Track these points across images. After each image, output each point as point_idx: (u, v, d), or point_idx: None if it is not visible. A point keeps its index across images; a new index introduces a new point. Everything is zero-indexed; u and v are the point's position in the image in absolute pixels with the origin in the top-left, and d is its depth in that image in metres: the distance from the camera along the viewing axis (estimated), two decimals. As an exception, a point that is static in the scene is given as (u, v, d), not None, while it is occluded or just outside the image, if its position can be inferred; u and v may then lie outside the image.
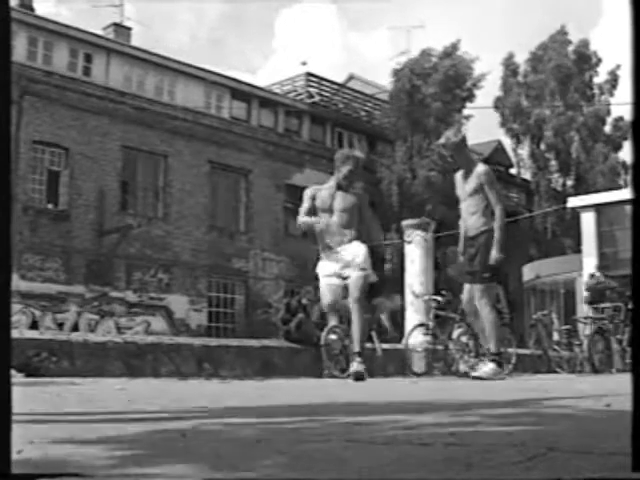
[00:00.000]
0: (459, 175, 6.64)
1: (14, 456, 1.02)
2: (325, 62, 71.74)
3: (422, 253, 11.16)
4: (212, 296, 23.42)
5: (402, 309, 11.25)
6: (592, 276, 12.47)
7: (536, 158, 33.82)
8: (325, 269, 6.57)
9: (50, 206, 20.81)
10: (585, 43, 33.31)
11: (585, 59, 33.12)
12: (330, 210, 6.56)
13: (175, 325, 22.33)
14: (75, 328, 19.63)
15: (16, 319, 18.18)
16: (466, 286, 6.82)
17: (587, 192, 24.90)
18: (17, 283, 18.46)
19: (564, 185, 33.82)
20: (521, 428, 1.67)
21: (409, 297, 10.87)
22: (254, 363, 7.82)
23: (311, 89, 28.45)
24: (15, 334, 6.72)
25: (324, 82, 29.21)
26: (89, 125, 21.27)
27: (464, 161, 6.56)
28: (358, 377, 6.22)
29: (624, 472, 0.98)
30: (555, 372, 10.57)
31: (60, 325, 19.93)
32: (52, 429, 1.69)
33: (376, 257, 6.75)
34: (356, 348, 6.40)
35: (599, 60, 33.32)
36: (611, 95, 33.41)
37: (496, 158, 33.88)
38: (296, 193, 10.03)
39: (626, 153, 32.96)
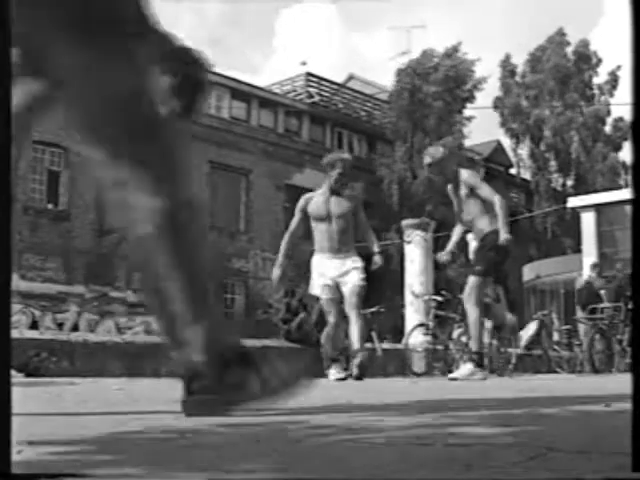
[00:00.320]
0: (449, 188, 6.76)
1: (14, 456, 1.02)
2: (325, 62, 71.79)
3: (422, 253, 11.18)
4: (212, 296, 23.43)
5: (402, 309, 11.26)
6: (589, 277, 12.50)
7: (536, 158, 33.82)
8: (321, 267, 6.57)
9: (50, 206, 20.81)
10: (585, 43, 33.30)
11: (585, 59, 33.12)
12: (327, 217, 6.56)
13: (175, 325, 22.33)
14: (75, 328, 19.63)
15: (16, 319, 18.18)
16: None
17: (587, 192, 24.91)
18: (17, 283, 18.46)
19: (564, 185, 33.82)
20: (521, 428, 1.67)
21: (409, 297, 10.88)
22: (254, 363, 7.83)
23: (311, 89, 28.45)
24: (15, 334, 6.73)
25: (324, 82, 29.21)
26: (89, 125, 21.28)
27: (450, 175, 6.66)
28: (358, 377, 6.23)
29: (624, 472, 0.98)
30: (555, 372, 10.58)
31: (60, 325, 19.93)
32: (52, 429, 1.70)
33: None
34: (356, 345, 6.43)
35: (599, 60, 33.32)
36: (611, 95, 33.42)
37: (496, 158, 33.88)
38: (296, 193, 10.05)
39: (626, 153, 32.95)
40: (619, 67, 32.37)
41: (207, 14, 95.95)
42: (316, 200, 6.64)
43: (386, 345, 10.07)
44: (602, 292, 12.08)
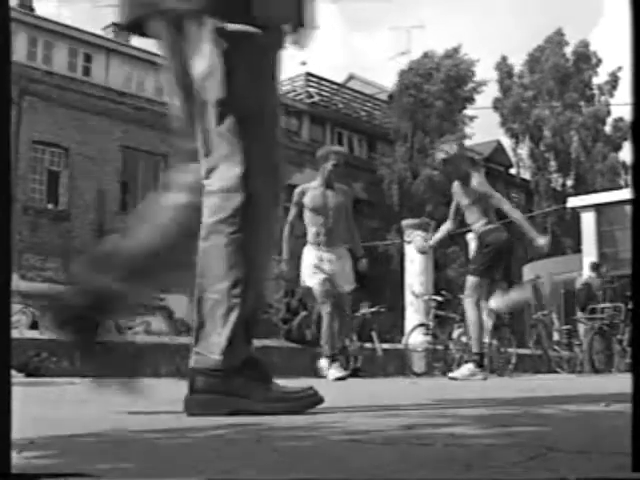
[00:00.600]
0: (456, 186, 6.72)
1: (14, 456, 1.02)
2: (325, 62, 71.79)
3: (422, 253, 11.16)
4: (212, 296, 23.44)
5: (402, 309, 11.26)
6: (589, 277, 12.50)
7: (536, 158, 33.83)
8: (316, 260, 6.55)
9: (50, 206, 20.81)
10: (585, 44, 33.31)
11: (585, 60, 33.13)
12: (323, 209, 6.56)
13: (175, 325, 22.32)
14: (75, 328, 19.61)
15: (16, 319, 18.16)
16: None
17: (587, 192, 24.90)
18: (17, 283, 18.46)
19: (564, 185, 33.82)
20: (521, 428, 1.67)
21: (409, 297, 10.87)
22: (254, 363, 7.83)
23: (310, 89, 28.46)
24: (15, 334, 6.72)
25: (324, 82, 29.22)
26: (89, 125, 21.27)
27: (462, 173, 6.61)
28: (338, 379, 6.23)
29: (624, 472, 0.98)
30: (555, 372, 10.57)
31: (60, 325, 19.92)
32: (52, 429, 1.70)
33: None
34: (327, 352, 6.48)
35: (599, 61, 33.31)
36: (611, 96, 33.41)
37: (496, 158, 33.88)
38: (296, 193, 10.02)
39: (626, 153, 32.96)
40: (620, 68, 32.38)
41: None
42: (312, 193, 6.63)
43: (386, 345, 10.07)
44: (599, 293, 12.10)
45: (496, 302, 6.99)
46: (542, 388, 4.37)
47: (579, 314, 12.06)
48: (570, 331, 11.93)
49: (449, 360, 9.05)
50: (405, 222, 11.72)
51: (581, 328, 11.60)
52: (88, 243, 20.93)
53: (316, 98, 28.27)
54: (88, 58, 22.84)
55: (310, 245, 6.62)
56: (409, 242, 11.05)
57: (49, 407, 2.74)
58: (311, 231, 6.61)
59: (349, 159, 26.41)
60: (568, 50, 33.04)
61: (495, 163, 32.98)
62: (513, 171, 34.72)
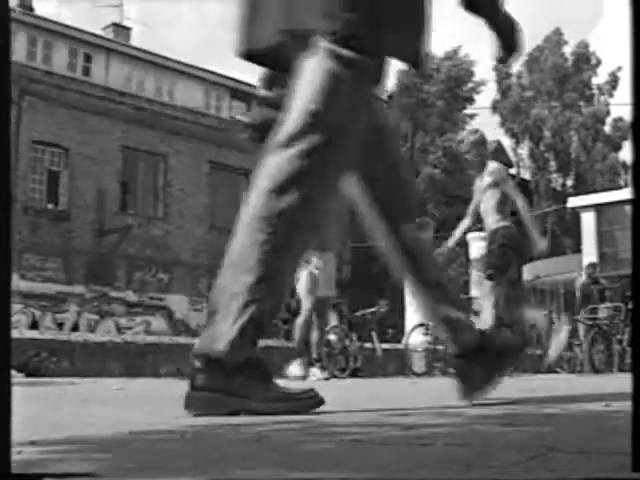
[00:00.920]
0: (478, 180, 6.71)
1: (14, 456, 1.02)
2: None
3: (422, 253, 11.16)
4: (212, 296, 23.43)
5: (402, 309, 11.27)
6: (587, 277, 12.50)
7: (535, 158, 33.83)
8: (305, 261, 6.54)
9: (50, 206, 20.81)
10: (584, 45, 33.32)
11: (584, 60, 33.14)
12: None
13: (175, 325, 22.33)
14: (75, 328, 19.63)
15: (16, 319, 18.18)
16: None
17: (587, 192, 24.90)
18: (17, 283, 18.46)
19: (564, 185, 33.82)
20: (521, 428, 1.67)
21: (409, 297, 10.86)
22: (254, 363, 7.83)
23: (311, 89, 28.45)
24: (15, 334, 6.73)
25: (324, 82, 29.22)
26: (89, 125, 21.27)
27: (483, 160, 6.58)
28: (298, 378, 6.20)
29: (624, 472, 0.98)
30: (555, 372, 10.57)
31: (60, 325, 19.93)
32: (52, 429, 1.70)
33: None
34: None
35: (598, 61, 33.31)
36: (610, 96, 33.41)
37: (496, 158, 33.83)
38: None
39: (626, 153, 32.95)
40: (619, 68, 32.37)
41: (207, 14, 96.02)
42: None
43: (386, 345, 10.07)
44: (592, 294, 12.12)
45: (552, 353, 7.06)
46: (542, 388, 4.37)
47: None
48: (570, 331, 11.92)
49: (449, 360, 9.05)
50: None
51: (581, 328, 11.60)
52: (88, 243, 20.95)
53: (316, 98, 28.28)
54: (88, 58, 22.84)
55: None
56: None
57: (49, 407, 2.74)
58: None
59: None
60: (567, 50, 33.05)
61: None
62: (513, 171, 34.75)
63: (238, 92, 25.80)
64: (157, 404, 2.98)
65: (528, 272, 24.93)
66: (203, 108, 24.51)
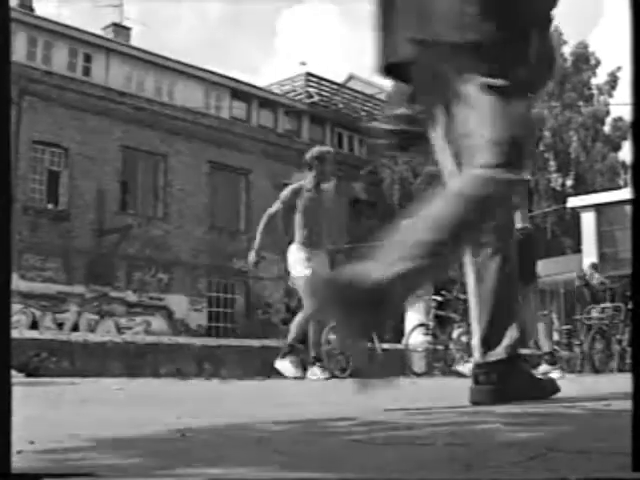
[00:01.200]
0: None
1: (14, 456, 1.02)
2: (325, 62, 71.79)
3: (422, 253, 11.17)
4: (212, 296, 23.41)
5: (401, 309, 11.26)
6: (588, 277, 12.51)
7: (535, 158, 33.80)
8: (304, 254, 6.50)
9: (50, 206, 20.81)
10: (584, 45, 33.32)
11: (583, 60, 33.14)
12: (316, 210, 6.53)
13: (175, 325, 22.33)
14: (75, 328, 19.63)
15: (16, 319, 18.18)
16: None
17: (586, 192, 24.90)
18: (17, 283, 18.46)
19: (563, 185, 33.82)
20: (521, 428, 1.67)
21: (409, 297, 10.87)
22: (254, 363, 7.83)
23: (310, 89, 28.43)
24: (15, 334, 6.73)
25: (323, 82, 29.19)
26: (89, 125, 21.27)
27: None
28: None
29: (624, 472, 0.98)
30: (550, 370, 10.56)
31: (60, 325, 19.92)
32: (52, 429, 1.70)
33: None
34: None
35: (598, 62, 33.30)
36: (610, 96, 33.39)
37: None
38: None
39: (625, 153, 32.96)
40: (619, 68, 32.37)
41: (207, 14, 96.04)
42: (306, 194, 6.57)
43: (386, 345, 10.07)
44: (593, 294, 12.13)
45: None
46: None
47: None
48: (570, 331, 11.93)
49: (449, 360, 9.05)
50: (405, 222, 11.73)
51: (579, 328, 11.60)
52: (88, 243, 20.95)
53: (316, 98, 28.26)
54: (88, 58, 22.84)
55: (299, 244, 6.58)
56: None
57: (49, 407, 2.74)
58: (302, 232, 6.56)
59: (339, 158, 26.44)
60: (567, 50, 33.06)
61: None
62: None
63: (238, 92, 25.79)
64: (157, 404, 2.98)
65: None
66: (203, 108, 24.50)
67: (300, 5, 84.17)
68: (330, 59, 73.00)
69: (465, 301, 9.22)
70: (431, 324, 9.30)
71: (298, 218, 6.56)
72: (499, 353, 2.54)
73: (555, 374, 6.26)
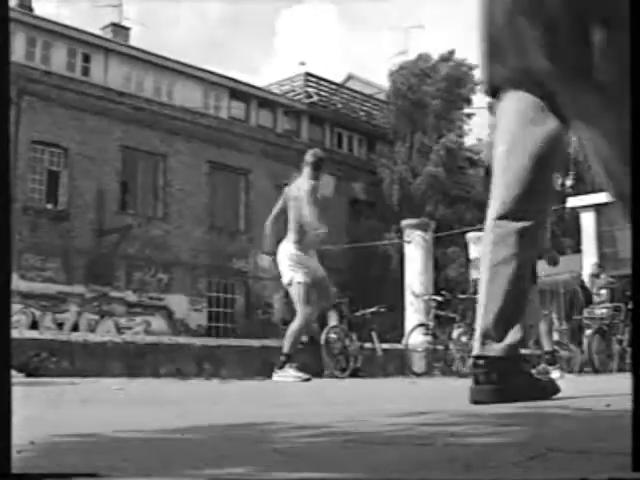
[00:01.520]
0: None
1: (14, 456, 1.02)
2: (325, 62, 71.79)
3: (422, 253, 11.17)
4: (212, 296, 23.41)
5: (402, 309, 11.27)
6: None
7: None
8: (303, 258, 6.46)
9: (50, 206, 20.81)
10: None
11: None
12: (317, 212, 6.51)
13: (175, 325, 22.32)
14: (75, 328, 19.62)
15: (16, 319, 18.17)
16: None
17: (586, 192, 24.88)
18: (17, 283, 18.46)
19: (563, 185, 33.83)
20: (521, 428, 1.67)
21: (409, 297, 10.88)
22: (254, 363, 7.82)
23: (309, 89, 28.43)
24: (15, 334, 6.72)
25: (323, 82, 29.18)
26: (88, 125, 21.26)
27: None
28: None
29: (624, 472, 0.98)
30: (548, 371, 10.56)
31: (60, 325, 19.92)
32: (52, 429, 1.69)
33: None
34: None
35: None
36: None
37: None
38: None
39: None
40: (619, 67, 32.40)
41: (207, 14, 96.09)
42: (309, 195, 6.53)
43: (386, 345, 10.06)
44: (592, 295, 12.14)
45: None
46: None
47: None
48: (570, 331, 11.92)
49: (449, 360, 9.05)
50: (405, 222, 11.72)
51: (582, 328, 11.60)
52: (88, 243, 20.95)
53: (315, 98, 28.24)
54: (87, 58, 22.82)
55: (295, 244, 6.51)
56: (409, 242, 11.05)
57: (49, 407, 2.74)
58: (300, 231, 6.51)
59: (339, 158, 26.43)
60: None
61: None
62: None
63: (237, 92, 25.77)
64: (157, 404, 2.98)
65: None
66: (202, 108, 24.48)
67: (300, 5, 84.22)
68: (329, 59, 72.98)
69: (465, 301, 9.25)
70: (431, 324, 9.30)
71: (297, 217, 6.52)
72: (499, 349, 2.56)
73: (555, 374, 6.26)
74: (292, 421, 1.88)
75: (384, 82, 29.27)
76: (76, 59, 22.76)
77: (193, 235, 22.97)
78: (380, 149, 28.24)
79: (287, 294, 8.86)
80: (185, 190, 23.10)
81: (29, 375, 6.18)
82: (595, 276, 12.76)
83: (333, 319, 9.63)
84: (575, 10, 2.28)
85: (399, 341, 10.12)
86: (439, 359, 9.25)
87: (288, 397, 3.69)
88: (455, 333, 9.08)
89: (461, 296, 9.51)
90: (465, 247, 12.64)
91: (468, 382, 2.68)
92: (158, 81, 24.29)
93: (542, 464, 1.10)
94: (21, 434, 1.18)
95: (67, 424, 1.90)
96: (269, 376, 6.15)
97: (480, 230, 8.25)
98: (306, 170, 6.70)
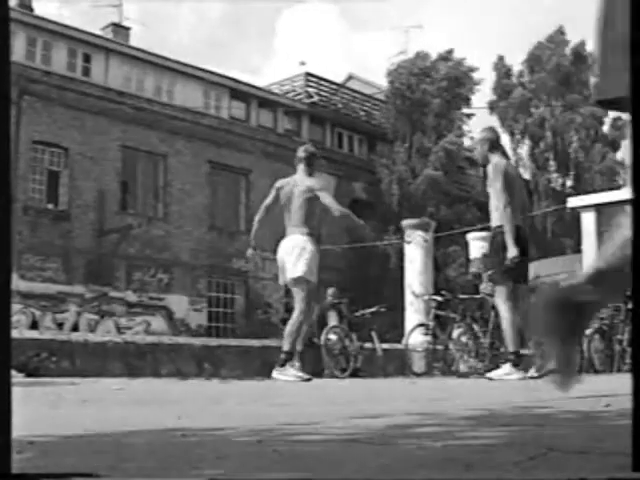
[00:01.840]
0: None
1: (14, 456, 1.02)
2: (325, 62, 71.78)
3: (422, 253, 11.18)
4: (212, 296, 23.41)
5: (402, 309, 11.27)
6: None
7: (535, 158, 33.83)
8: (317, 264, 6.43)
9: (50, 206, 20.81)
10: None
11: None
12: (322, 209, 6.53)
13: (175, 325, 22.32)
14: (75, 328, 19.62)
15: (16, 319, 18.17)
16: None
17: (586, 192, 24.89)
18: (17, 283, 18.45)
19: (563, 185, 33.85)
20: (521, 428, 1.67)
21: (409, 297, 10.88)
22: (254, 363, 7.82)
23: (310, 89, 28.44)
24: (15, 334, 6.72)
25: (323, 82, 29.19)
26: (88, 125, 21.27)
27: (484, 155, 6.50)
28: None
29: (624, 472, 0.98)
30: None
31: (60, 325, 19.92)
32: (52, 429, 1.69)
33: None
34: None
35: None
36: (610, 95, 33.37)
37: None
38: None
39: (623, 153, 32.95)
40: (619, 67, 32.36)
41: (207, 14, 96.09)
42: (316, 191, 6.54)
43: (386, 345, 10.06)
44: None
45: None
46: (542, 388, 4.37)
47: None
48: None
49: (449, 360, 9.05)
50: (405, 222, 11.73)
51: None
52: (88, 243, 20.95)
53: (315, 98, 28.25)
54: (87, 58, 22.82)
55: (309, 237, 6.47)
56: (409, 242, 11.05)
57: (49, 407, 2.74)
58: (316, 228, 6.52)
59: (339, 158, 26.43)
60: (567, 50, 33.08)
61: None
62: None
63: (237, 92, 25.77)
64: (157, 404, 2.98)
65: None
66: (202, 108, 24.48)
67: (300, 5, 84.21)
68: (330, 59, 72.98)
69: (465, 301, 9.23)
70: (431, 324, 9.29)
71: (304, 211, 6.50)
72: None
73: (514, 376, 6.13)
74: (292, 421, 1.88)
75: (384, 82, 29.27)
76: (76, 59, 22.77)
77: (193, 235, 22.97)
78: (380, 149, 28.26)
79: (287, 292, 8.71)
80: (185, 190, 23.10)
81: (29, 375, 6.18)
82: None
83: (333, 319, 9.63)
84: None
85: (399, 341, 10.12)
86: (439, 359, 9.24)
87: (288, 397, 3.69)
88: (455, 333, 9.07)
89: (461, 296, 9.51)
90: (465, 247, 12.64)
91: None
92: (158, 81, 24.30)
93: (542, 464, 1.10)
94: (21, 434, 1.18)
95: (67, 424, 1.90)
96: (269, 376, 6.14)
97: (480, 230, 8.23)
98: (300, 166, 6.72)
